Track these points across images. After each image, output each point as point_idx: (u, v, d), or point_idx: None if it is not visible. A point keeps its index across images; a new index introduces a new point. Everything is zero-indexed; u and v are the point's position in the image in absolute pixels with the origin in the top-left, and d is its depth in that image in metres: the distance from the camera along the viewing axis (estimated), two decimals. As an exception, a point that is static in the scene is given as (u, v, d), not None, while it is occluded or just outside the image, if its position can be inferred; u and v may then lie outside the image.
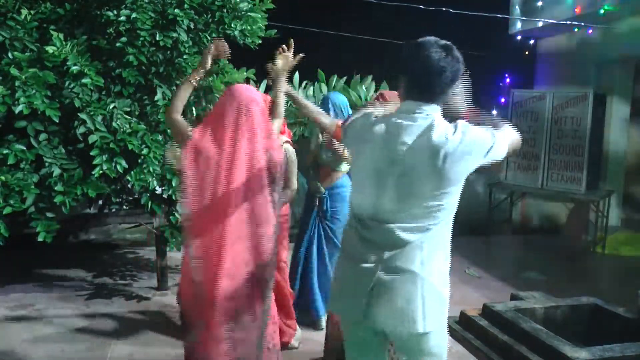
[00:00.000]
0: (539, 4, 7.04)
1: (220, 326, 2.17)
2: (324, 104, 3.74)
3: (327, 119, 2.37)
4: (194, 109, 4.42)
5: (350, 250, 1.87)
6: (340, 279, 1.92)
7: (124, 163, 3.67)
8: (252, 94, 2.26)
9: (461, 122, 1.74)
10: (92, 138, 3.61)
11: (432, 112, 1.74)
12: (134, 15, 3.75)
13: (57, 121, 3.51)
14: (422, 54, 1.70)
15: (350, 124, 1.93)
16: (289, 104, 5.47)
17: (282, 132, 3.21)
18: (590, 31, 6.77)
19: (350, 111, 3.78)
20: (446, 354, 1.89)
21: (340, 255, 1.97)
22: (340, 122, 2.91)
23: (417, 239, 1.74)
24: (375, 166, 1.76)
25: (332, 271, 3.36)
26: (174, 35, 3.89)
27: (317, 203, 3.71)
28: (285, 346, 3.28)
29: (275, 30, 4.67)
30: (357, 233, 1.83)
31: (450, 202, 1.77)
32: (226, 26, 4.29)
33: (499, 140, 1.77)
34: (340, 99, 3.80)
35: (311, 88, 6.02)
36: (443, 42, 1.74)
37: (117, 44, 3.78)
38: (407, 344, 1.85)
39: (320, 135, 3.71)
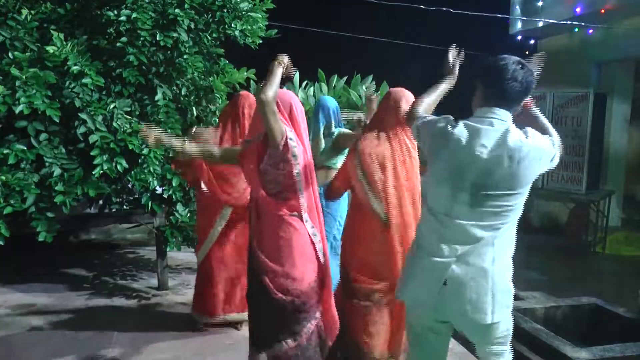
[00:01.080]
0: (540, 4, 7.05)
1: None
2: (319, 108, 3.79)
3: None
4: (194, 109, 4.42)
5: (424, 244, 2.01)
6: (413, 270, 2.04)
7: (124, 163, 3.67)
8: None
9: (530, 129, 1.91)
10: (93, 138, 3.61)
11: (506, 118, 1.90)
12: (134, 15, 3.75)
13: (58, 121, 3.51)
14: (500, 65, 1.88)
15: (426, 124, 2.02)
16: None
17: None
18: (591, 31, 6.77)
19: (339, 115, 3.80)
20: (510, 338, 2.05)
21: (414, 247, 2.08)
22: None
23: (489, 236, 1.88)
24: (454, 166, 1.90)
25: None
26: (175, 35, 3.89)
27: None
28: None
29: (276, 30, 4.67)
30: (431, 228, 1.98)
31: (519, 203, 1.91)
32: (227, 26, 4.29)
33: (557, 151, 1.95)
34: (330, 102, 3.81)
35: (311, 88, 6.01)
36: (517, 58, 1.91)
37: (118, 44, 3.78)
38: (476, 333, 2.02)
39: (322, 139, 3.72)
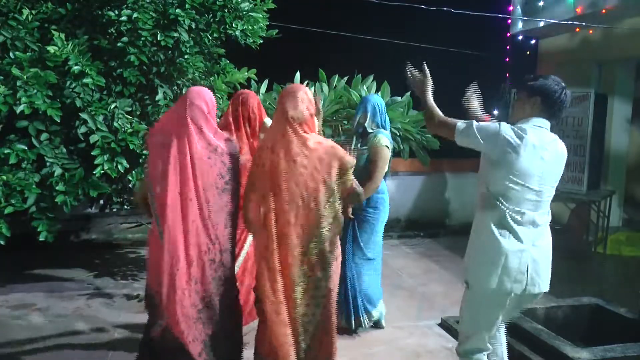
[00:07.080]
0: (540, 4, 7.04)
1: None
2: (362, 104, 3.68)
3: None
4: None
5: (502, 234, 2.38)
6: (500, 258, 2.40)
7: (125, 163, 3.67)
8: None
9: (556, 135, 2.42)
10: (94, 138, 3.61)
11: (549, 127, 2.41)
12: (135, 15, 3.75)
13: (59, 121, 3.52)
14: (557, 88, 2.42)
15: (486, 129, 2.33)
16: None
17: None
18: (592, 31, 6.77)
19: (385, 113, 3.69)
20: None
21: (490, 239, 2.41)
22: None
23: (545, 221, 2.42)
24: (526, 167, 2.31)
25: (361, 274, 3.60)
26: (175, 35, 3.90)
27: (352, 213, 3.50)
28: None
29: (277, 30, 4.67)
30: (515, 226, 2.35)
31: None
32: (227, 26, 4.29)
33: None
34: (375, 100, 3.69)
35: (312, 88, 6.00)
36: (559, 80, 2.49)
37: (119, 44, 3.78)
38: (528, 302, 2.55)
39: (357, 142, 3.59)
